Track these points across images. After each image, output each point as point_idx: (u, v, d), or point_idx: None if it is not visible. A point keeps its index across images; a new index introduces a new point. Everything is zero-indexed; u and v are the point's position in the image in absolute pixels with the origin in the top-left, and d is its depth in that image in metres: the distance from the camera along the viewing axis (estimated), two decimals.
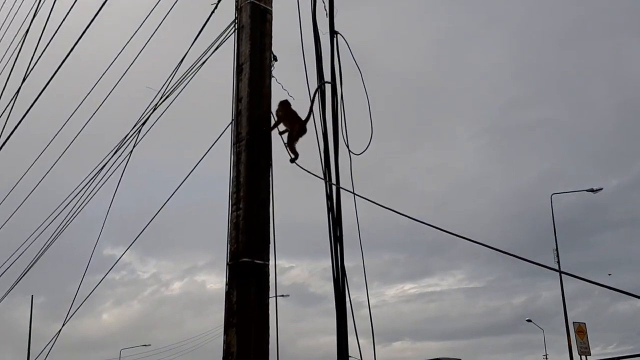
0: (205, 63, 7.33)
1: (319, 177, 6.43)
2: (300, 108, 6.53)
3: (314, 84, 6.68)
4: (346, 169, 6.65)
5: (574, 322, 32.80)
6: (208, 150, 6.96)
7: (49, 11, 9.56)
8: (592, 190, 36.22)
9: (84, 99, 9.45)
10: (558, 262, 34.79)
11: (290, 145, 6.41)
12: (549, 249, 35.98)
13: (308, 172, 6.35)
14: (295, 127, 6.42)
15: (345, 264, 6.37)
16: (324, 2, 6.83)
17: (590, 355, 31.49)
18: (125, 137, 8.15)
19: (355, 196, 6.25)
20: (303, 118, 6.45)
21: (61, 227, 10.26)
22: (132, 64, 8.44)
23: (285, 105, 6.46)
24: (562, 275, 34.02)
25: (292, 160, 6.40)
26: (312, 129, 6.57)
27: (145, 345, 63.06)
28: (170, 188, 8.06)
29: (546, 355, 58.84)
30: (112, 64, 8.77)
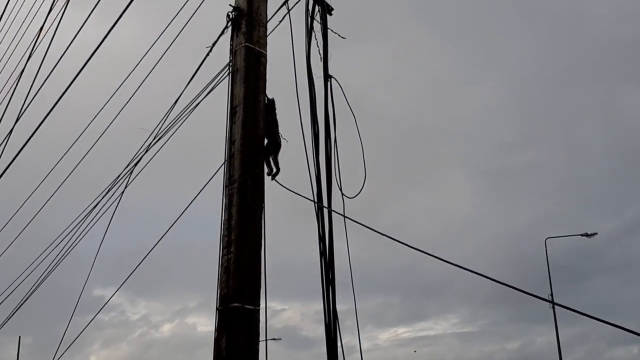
0: (200, 104, 7.35)
1: (308, 198, 6.37)
2: (294, 150, 6.52)
3: (307, 127, 6.69)
4: (341, 210, 6.62)
5: None
6: (198, 193, 6.93)
7: (45, 51, 9.60)
8: (586, 235, 36.13)
9: (77, 138, 9.44)
10: (553, 307, 34.55)
11: (266, 160, 6.39)
12: (544, 293, 35.69)
13: (299, 195, 6.30)
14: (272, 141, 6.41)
15: (338, 306, 6.29)
16: (318, 47, 6.88)
17: None
18: (117, 178, 8.11)
19: (348, 241, 6.20)
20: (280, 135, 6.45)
21: (51, 266, 10.16)
22: (125, 104, 8.46)
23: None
24: (558, 321, 33.78)
25: (269, 174, 6.36)
26: (307, 171, 6.56)
27: None
28: (162, 229, 8.00)
29: None
30: (106, 104, 8.78)
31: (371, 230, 5.65)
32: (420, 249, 5.39)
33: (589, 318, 4.38)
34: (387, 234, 5.58)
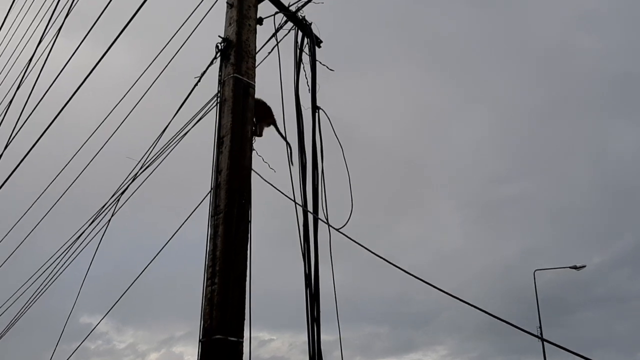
0: (187, 134, 7.36)
1: (296, 204, 6.36)
2: (281, 181, 6.52)
3: (295, 158, 6.70)
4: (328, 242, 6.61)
5: None
6: (184, 222, 6.89)
7: (36, 79, 9.61)
8: (575, 267, 36.13)
9: (64, 167, 9.41)
10: (542, 339, 34.38)
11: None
12: (533, 325, 35.60)
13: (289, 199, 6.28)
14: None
15: (326, 337, 6.25)
16: (306, 78, 6.93)
17: None
18: (104, 206, 8.08)
19: (333, 275, 6.16)
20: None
21: (37, 294, 10.06)
22: (113, 133, 8.45)
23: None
24: (546, 353, 33.61)
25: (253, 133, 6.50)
26: (292, 203, 6.55)
27: None
28: (149, 257, 7.94)
29: None
30: (94, 132, 8.77)
31: (368, 252, 5.62)
32: (414, 274, 5.35)
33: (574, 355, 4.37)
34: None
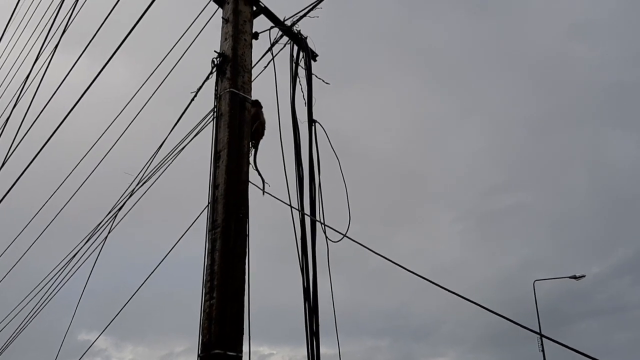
0: (184, 149, 7.36)
1: (292, 209, 6.36)
2: (279, 193, 6.53)
3: (292, 171, 6.71)
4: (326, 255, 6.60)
5: None
6: (181, 237, 6.90)
7: (33, 95, 9.63)
8: (574, 277, 36.09)
9: (61, 184, 9.41)
10: (543, 350, 34.33)
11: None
12: (533, 337, 35.55)
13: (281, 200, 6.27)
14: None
15: (325, 350, 6.22)
16: (302, 92, 6.95)
17: None
18: (100, 223, 8.07)
19: (331, 282, 6.15)
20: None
21: (34, 311, 10.03)
22: (110, 149, 8.46)
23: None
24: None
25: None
26: (290, 217, 6.55)
27: None
28: (147, 272, 7.92)
29: None
30: (91, 148, 8.78)
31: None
32: (424, 276, 5.31)
33: (577, 354, 4.37)
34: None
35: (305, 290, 6.29)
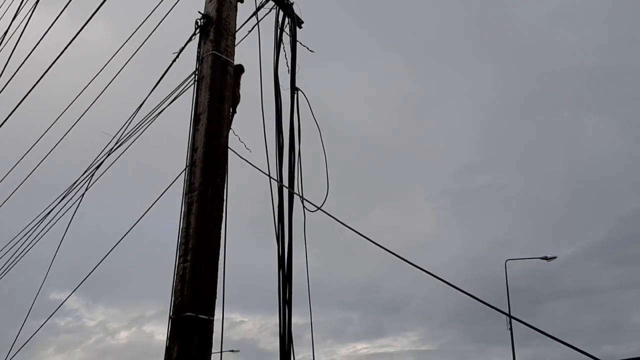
0: (164, 111, 7.28)
1: (271, 179, 6.34)
2: (258, 161, 6.49)
3: (272, 138, 6.66)
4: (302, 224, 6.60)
5: None
6: (157, 199, 6.84)
7: (11, 52, 9.45)
8: (546, 258, 36.55)
9: (37, 141, 9.27)
10: (511, 329, 34.86)
11: None
12: (502, 315, 36.05)
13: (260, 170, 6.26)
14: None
15: (298, 320, 6.25)
16: (286, 59, 6.88)
17: None
18: (77, 181, 7.98)
19: (306, 251, 6.16)
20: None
21: (4, 269, 9.94)
22: (89, 107, 8.33)
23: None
24: (515, 342, 34.03)
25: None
26: (268, 186, 6.52)
27: None
28: (122, 234, 7.87)
29: None
30: (69, 106, 8.65)
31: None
32: (394, 252, 5.31)
33: (545, 336, 4.42)
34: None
35: (280, 258, 6.28)
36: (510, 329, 34.48)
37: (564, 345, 4.24)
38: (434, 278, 4.95)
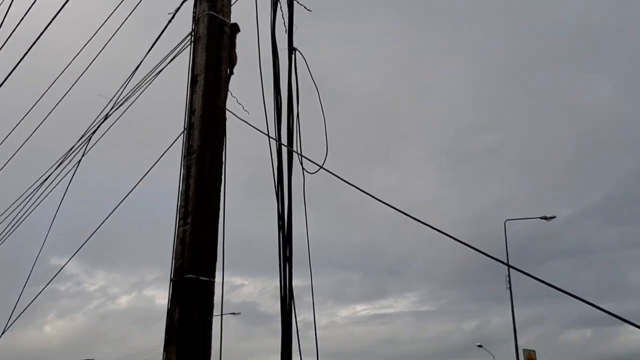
0: (161, 73, 7.20)
1: (270, 138, 6.32)
2: (256, 122, 6.44)
3: (270, 99, 6.60)
4: (301, 186, 6.58)
5: (524, 350, 33.04)
6: (155, 163, 6.80)
7: (4, 14, 9.32)
8: (545, 218, 36.70)
9: (34, 105, 9.20)
10: (510, 288, 35.15)
11: None
12: (502, 274, 36.36)
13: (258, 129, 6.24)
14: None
15: (298, 282, 6.26)
16: (283, 19, 6.78)
17: None
18: (74, 146, 7.93)
19: (307, 216, 6.14)
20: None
21: (4, 234, 9.96)
22: (85, 70, 8.24)
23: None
24: (514, 302, 34.35)
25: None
26: (268, 149, 6.48)
27: None
28: (121, 198, 7.85)
29: None
30: (65, 70, 8.55)
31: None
32: (402, 210, 5.28)
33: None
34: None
35: (280, 216, 6.28)
36: (510, 287, 34.78)
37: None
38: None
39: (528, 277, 4.66)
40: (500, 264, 5.12)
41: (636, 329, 3.92)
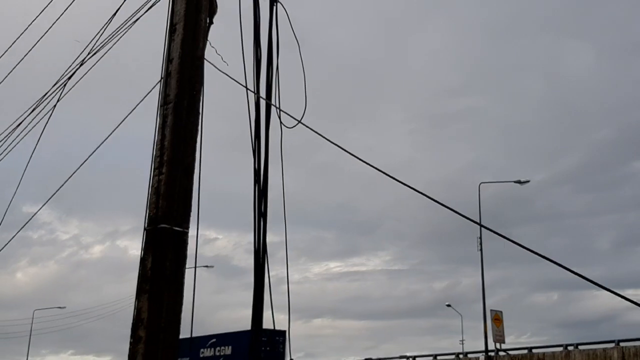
0: (139, 21, 7.06)
1: (248, 90, 6.28)
2: (235, 74, 6.37)
3: (250, 51, 6.52)
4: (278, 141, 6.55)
5: (491, 310, 33.71)
6: (132, 111, 6.72)
7: None
8: (519, 182, 37.13)
9: (7, 49, 9.00)
10: (481, 250, 35.71)
11: None
12: (473, 237, 36.90)
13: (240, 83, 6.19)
14: None
15: (271, 238, 6.27)
16: None
17: (504, 342, 32.43)
18: (48, 92, 7.79)
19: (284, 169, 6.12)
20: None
21: None
22: (62, 15, 8.06)
23: None
24: (484, 264, 34.91)
25: None
26: (245, 98, 6.42)
27: (59, 308, 62.02)
28: (95, 146, 7.76)
29: (463, 340, 60.51)
30: (40, 13, 8.36)
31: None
32: (379, 168, 5.29)
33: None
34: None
35: (256, 172, 6.26)
36: (481, 250, 35.31)
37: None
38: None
39: (498, 239, 4.72)
40: (473, 223, 5.17)
41: (601, 292, 4.01)
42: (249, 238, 6.17)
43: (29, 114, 8.32)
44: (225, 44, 6.54)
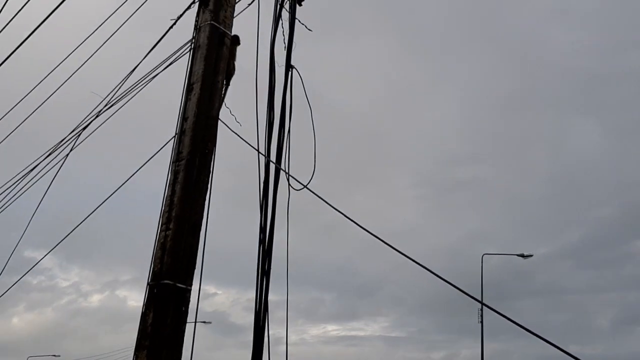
0: (157, 77, 7.24)
1: (259, 153, 6.33)
2: (247, 136, 6.48)
3: (263, 114, 6.65)
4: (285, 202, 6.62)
5: None
6: (144, 164, 6.82)
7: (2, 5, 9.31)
8: (522, 256, 36.88)
9: (26, 95, 9.18)
10: (482, 322, 35.25)
11: None
12: (474, 308, 36.47)
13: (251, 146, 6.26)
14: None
15: (271, 296, 6.26)
16: (284, 36, 6.85)
17: None
18: (63, 140, 7.92)
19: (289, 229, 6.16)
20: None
21: None
22: (81, 66, 8.26)
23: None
24: (484, 336, 34.43)
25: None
26: (255, 158, 6.52)
27: (54, 356, 60.98)
28: (104, 197, 7.84)
29: None
30: (60, 64, 8.56)
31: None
32: (379, 237, 5.33)
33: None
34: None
35: (262, 229, 6.31)
36: (482, 322, 34.87)
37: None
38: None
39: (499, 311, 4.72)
40: (474, 294, 5.17)
41: None
42: (248, 295, 6.19)
43: (43, 159, 8.44)
44: (240, 104, 6.68)
